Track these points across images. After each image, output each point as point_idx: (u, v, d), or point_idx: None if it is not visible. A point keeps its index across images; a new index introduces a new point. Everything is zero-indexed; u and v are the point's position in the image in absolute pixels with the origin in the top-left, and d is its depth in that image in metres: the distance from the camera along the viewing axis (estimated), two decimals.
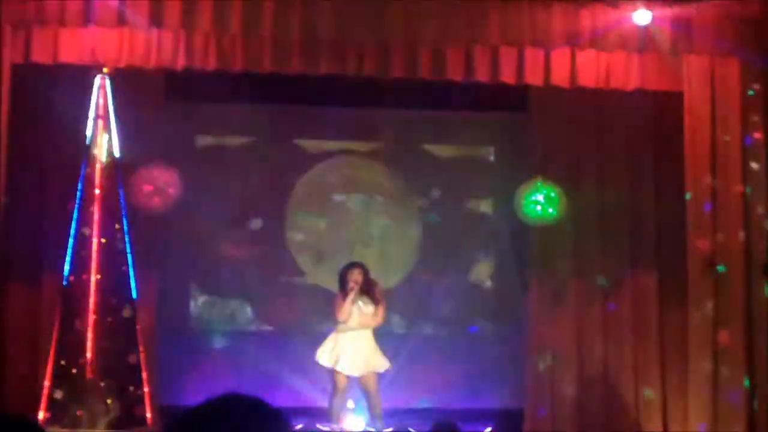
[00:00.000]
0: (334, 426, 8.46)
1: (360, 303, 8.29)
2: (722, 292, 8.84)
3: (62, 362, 8.37)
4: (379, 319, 8.36)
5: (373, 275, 8.53)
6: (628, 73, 8.86)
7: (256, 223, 9.82)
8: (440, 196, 9.94)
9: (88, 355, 8.36)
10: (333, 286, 8.82)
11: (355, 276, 8.31)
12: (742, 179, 8.90)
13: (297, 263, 9.88)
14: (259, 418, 1.59)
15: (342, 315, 8.24)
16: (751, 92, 8.88)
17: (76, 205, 8.55)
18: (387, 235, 9.90)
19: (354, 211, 9.99)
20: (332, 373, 8.25)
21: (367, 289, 8.33)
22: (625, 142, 9.76)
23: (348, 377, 8.23)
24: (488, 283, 9.89)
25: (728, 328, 8.81)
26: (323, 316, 9.07)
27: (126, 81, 8.80)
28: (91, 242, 8.51)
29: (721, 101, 8.93)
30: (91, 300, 8.43)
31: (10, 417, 2.30)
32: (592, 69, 8.82)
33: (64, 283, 8.48)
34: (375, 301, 8.35)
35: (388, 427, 8.95)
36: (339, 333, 8.27)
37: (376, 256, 9.21)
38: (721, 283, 8.84)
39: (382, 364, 8.27)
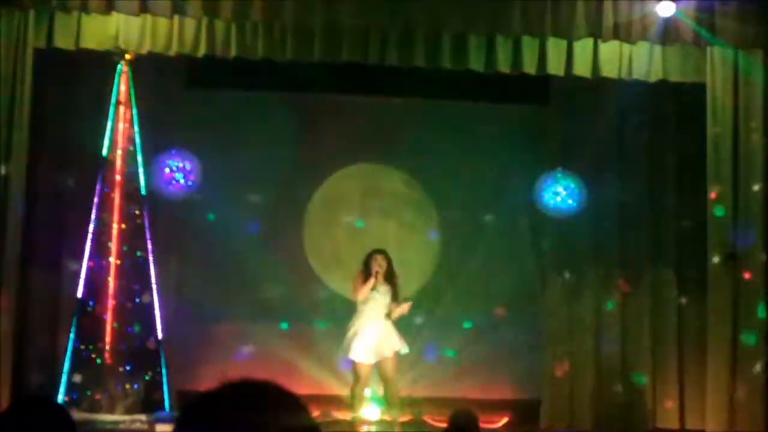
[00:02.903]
0: (352, 414, 8.46)
1: (379, 291, 8.26)
2: (741, 287, 8.78)
3: (81, 346, 8.43)
4: (397, 309, 8.31)
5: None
6: (650, 65, 8.80)
7: (275, 211, 9.80)
8: (459, 189, 9.85)
9: (107, 339, 8.41)
10: (347, 292, 8.78)
11: (380, 262, 8.29)
12: (765, 171, 8.83)
13: (311, 265, 9.80)
14: (275, 404, 1.57)
15: (361, 295, 8.23)
16: None
17: (97, 190, 8.59)
18: (405, 240, 9.80)
19: (372, 214, 9.91)
20: (353, 363, 8.25)
21: (389, 278, 8.31)
22: (646, 134, 9.69)
23: (369, 366, 8.22)
24: (507, 275, 9.82)
25: (748, 323, 8.76)
26: (341, 310, 9.01)
27: (147, 68, 8.82)
28: (111, 227, 8.56)
29: (745, 93, 8.86)
30: (111, 285, 8.48)
31: (37, 397, 2.33)
32: (614, 60, 8.77)
33: (84, 268, 8.52)
34: (395, 291, 8.33)
35: (405, 416, 8.95)
36: (358, 322, 8.25)
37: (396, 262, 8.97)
38: (740, 277, 8.78)
39: (398, 345, 8.20)
